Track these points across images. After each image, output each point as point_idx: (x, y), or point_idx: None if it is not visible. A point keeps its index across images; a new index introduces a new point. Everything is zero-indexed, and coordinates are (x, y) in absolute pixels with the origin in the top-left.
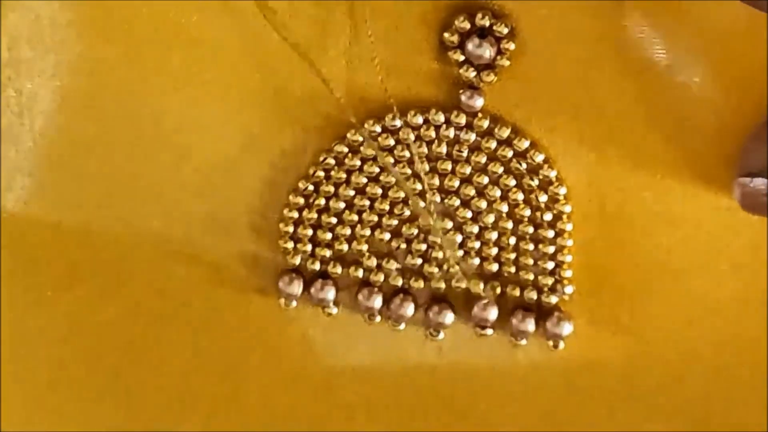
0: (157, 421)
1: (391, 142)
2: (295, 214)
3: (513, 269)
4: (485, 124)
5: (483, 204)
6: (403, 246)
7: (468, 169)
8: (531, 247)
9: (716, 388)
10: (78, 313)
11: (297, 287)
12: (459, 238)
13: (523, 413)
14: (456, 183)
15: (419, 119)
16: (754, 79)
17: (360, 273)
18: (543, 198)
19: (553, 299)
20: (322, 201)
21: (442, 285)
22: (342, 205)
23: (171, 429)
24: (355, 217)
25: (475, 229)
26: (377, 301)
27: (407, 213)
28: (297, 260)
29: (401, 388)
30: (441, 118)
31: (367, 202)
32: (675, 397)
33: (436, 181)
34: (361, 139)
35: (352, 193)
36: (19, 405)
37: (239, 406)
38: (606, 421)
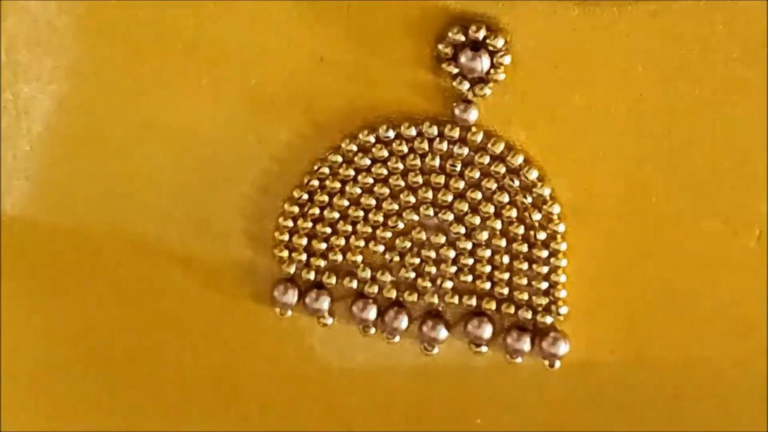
0: (154, 424)
1: (385, 153)
2: (290, 223)
3: (506, 289)
4: (479, 138)
5: (476, 220)
6: (397, 259)
7: (461, 184)
8: (525, 266)
9: (716, 393)
10: (75, 316)
11: (292, 297)
12: (452, 253)
13: (520, 418)
14: (449, 198)
15: (412, 131)
16: (751, 89)
17: (354, 284)
18: (537, 216)
19: (548, 319)
20: (316, 210)
21: (435, 300)
22: (336, 215)
23: (168, 431)
24: (350, 228)
25: (469, 245)
26: (372, 313)
27: (401, 226)
28: (292, 269)
29: (398, 392)
30: (434, 130)
31: (361, 213)
32: (673, 406)
33: (430, 195)
34: (355, 148)
35: (346, 203)
36: (19, 405)
37: (236, 409)
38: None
